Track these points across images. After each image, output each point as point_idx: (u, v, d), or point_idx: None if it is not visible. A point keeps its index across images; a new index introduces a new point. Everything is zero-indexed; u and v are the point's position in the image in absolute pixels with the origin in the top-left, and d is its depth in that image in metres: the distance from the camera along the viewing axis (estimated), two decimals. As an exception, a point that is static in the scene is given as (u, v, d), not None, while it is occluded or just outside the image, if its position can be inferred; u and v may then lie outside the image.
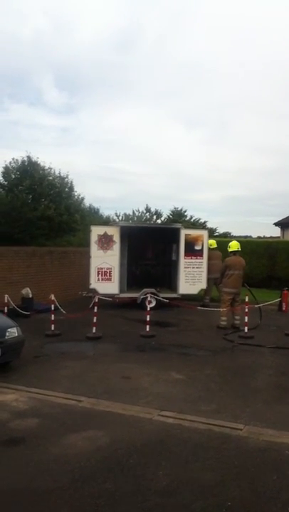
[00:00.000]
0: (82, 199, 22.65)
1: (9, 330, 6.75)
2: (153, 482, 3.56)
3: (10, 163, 19.48)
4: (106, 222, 22.91)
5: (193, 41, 74.16)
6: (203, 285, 13.01)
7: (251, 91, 74.52)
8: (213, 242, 13.77)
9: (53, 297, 9.78)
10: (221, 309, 10.50)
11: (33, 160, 19.52)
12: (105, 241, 12.60)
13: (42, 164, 19.76)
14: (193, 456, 4.02)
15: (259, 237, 32.25)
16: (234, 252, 10.69)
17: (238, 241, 11.36)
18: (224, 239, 19.48)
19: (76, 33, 69.05)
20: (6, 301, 10.41)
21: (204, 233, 13.51)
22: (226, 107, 79.43)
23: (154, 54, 75.36)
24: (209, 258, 13.05)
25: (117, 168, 67.98)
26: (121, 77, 73.42)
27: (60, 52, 62.58)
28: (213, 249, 13.51)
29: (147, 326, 9.42)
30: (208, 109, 77.31)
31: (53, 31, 63.36)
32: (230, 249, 10.74)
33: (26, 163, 19.37)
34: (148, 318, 9.47)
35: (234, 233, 36.30)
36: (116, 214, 30.60)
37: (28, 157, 19.47)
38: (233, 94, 75.93)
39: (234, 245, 10.79)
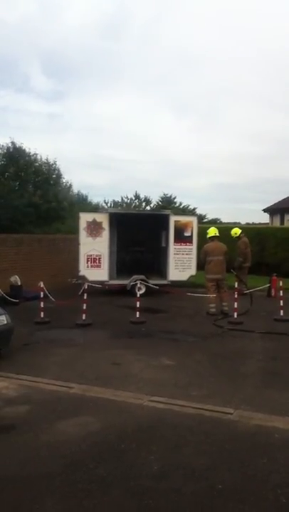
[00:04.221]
0: (70, 186, 22.46)
1: (-2, 317, 6.69)
2: (144, 467, 3.57)
3: None
4: (95, 209, 22.74)
5: (183, 27, 73.10)
6: (193, 271, 13.01)
7: (242, 78, 74.07)
8: (237, 231, 13.33)
9: (41, 284, 9.70)
10: (209, 296, 10.54)
11: (17, 145, 19.22)
12: (94, 228, 12.51)
13: (27, 150, 19.50)
14: (184, 441, 4.05)
15: (248, 224, 32.37)
16: (212, 238, 10.73)
17: (227, 227, 11.37)
18: (215, 225, 19.46)
19: (63, 17, 67.60)
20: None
21: (193, 219, 13.49)
22: (217, 94, 78.72)
23: (143, 40, 74.36)
24: (245, 247, 12.88)
25: (105, 155, 67.44)
26: (110, 63, 72.34)
27: (48, 36, 61.12)
28: (239, 237, 13.14)
29: (137, 313, 9.42)
30: (199, 96, 76.74)
31: (40, 15, 61.85)
32: (208, 236, 10.79)
33: (12, 150, 19.07)
34: (138, 305, 9.45)
35: (223, 220, 36.49)
36: (105, 201, 30.45)
37: (13, 143, 19.17)
38: (224, 81, 75.35)
39: (212, 231, 10.90)
